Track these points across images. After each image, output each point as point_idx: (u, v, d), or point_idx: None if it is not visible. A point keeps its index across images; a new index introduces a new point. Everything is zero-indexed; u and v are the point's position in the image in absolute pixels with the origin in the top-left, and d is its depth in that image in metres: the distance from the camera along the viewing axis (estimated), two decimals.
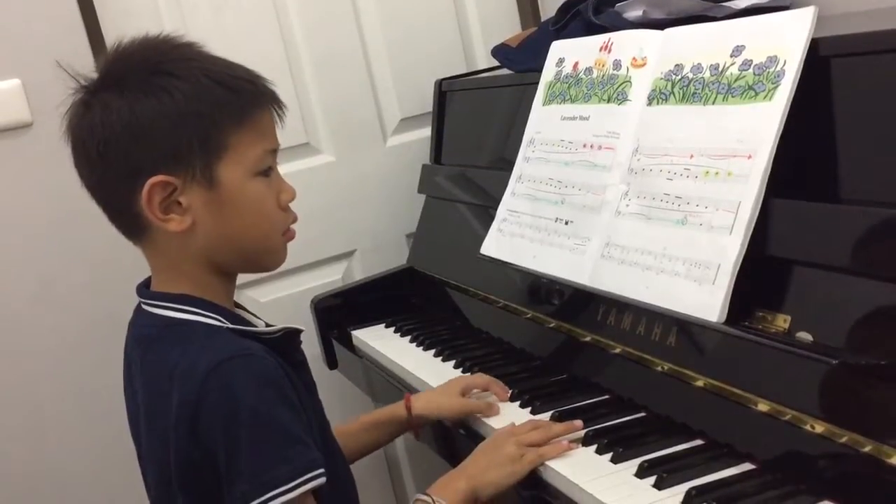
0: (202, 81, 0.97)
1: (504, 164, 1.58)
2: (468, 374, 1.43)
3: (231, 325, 1.00)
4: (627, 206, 1.23)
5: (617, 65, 1.32)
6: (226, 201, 0.98)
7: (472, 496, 1.11)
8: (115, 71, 0.98)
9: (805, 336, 1.00)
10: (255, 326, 1.06)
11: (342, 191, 1.95)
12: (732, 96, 1.10)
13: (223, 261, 1.02)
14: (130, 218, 0.99)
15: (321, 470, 0.95)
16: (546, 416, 1.24)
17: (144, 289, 1.05)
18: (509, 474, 1.11)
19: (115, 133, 0.95)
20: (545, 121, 1.46)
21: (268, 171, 1.01)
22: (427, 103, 1.93)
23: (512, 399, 1.32)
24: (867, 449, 0.90)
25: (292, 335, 1.05)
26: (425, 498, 1.09)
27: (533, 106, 1.49)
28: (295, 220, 1.06)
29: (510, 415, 1.26)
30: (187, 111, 0.95)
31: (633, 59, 1.29)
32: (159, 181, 0.96)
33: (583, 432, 1.16)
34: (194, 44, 1.02)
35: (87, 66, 1.02)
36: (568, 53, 1.45)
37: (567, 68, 1.44)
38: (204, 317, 1.00)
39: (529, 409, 1.27)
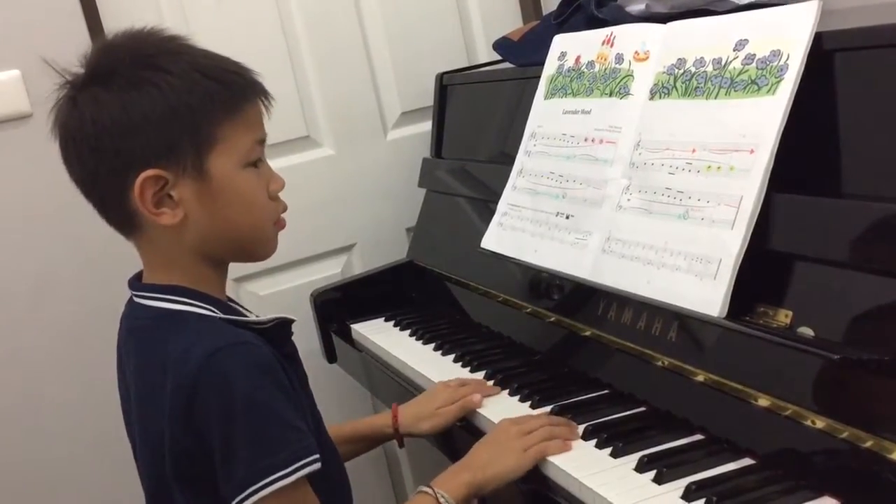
0: (191, 75, 0.96)
1: (505, 158, 1.58)
2: (465, 373, 1.42)
3: (223, 315, 1.00)
4: (629, 200, 1.22)
5: (619, 59, 1.32)
6: (217, 193, 0.98)
7: (476, 490, 1.10)
8: (103, 66, 0.98)
9: (806, 331, 0.99)
10: (247, 317, 1.06)
11: (342, 184, 1.95)
12: (735, 90, 1.10)
13: (215, 252, 1.02)
14: (122, 213, 0.99)
15: (316, 456, 0.95)
16: (546, 410, 1.23)
17: (136, 281, 1.05)
18: (513, 469, 1.11)
19: (106, 128, 0.95)
20: (547, 115, 1.45)
21: (257, 162, 1.02)
22: (428, 97, 1.93)
23: (512, 394, 1.31)
24: (868, 444, 0.90)
25: (284, 325, 1.05)
26: (428, 491, 1.08)
27: (534, 100, 1.49)
28: (285, 209, 1.06)
29: (510, 409, 1.26)
30: (178, 104, 0.95)
31: (636, 52, 1.29)
32: (151, 175, 0.95)
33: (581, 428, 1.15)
34: (181, 37, 1.02)
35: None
36: (570, 47, 1.44)
37: (569, 62, 1.43)
38: (196, 307, 1.00)
39: (529, 403, 1.27)
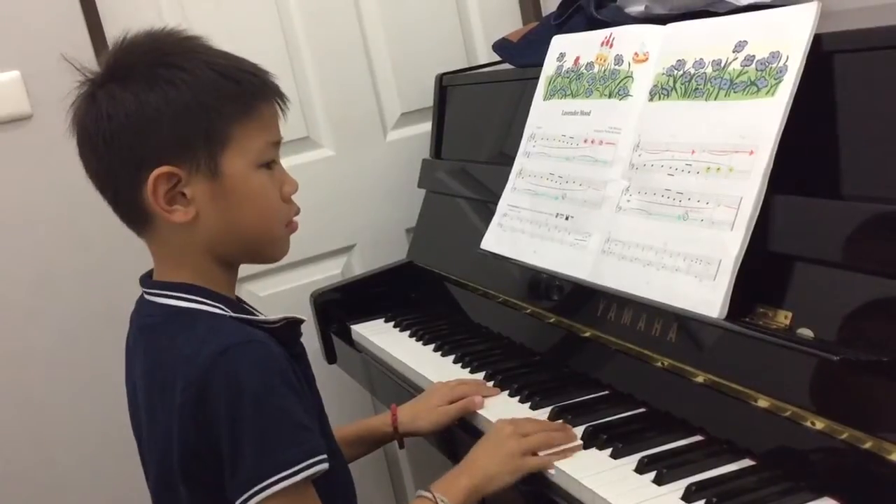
0: (207, 74, 0.97)
1: (504, 159, 1.58)
2: (465, 374, 1.42)
3: (233, 314, 1.01)
4: (628, 201, 1.22)
5: (618, 60, 1.32)
6: (229, 193, 0.99)
7: (476, 493, 1.10)
8: (121, 63, 0.99)
9: (806, 332, 0.99)
10: (257, 316, 1.06)
11: (342, 185, 1.95)
12: (734, 92, 1.10)
13: (226, 252, 1.03)
14: (135, 209, 1.00)
15: (324, 456, 0.96)
16: (546, 411, 1.23)
17: (147, 279, 1.06)
18: (512, 471, 1.11)
19: (121, 124, 0.96)
20: (546, 116, 1.46)
21: (271, 164, 1.02)
22: (428, 98, 1.93)
23: (512, 394, 1.31)
24: (867, 445, 0.90)
25: (293, 325, 1.06)
26: (427, 495, 1.08)
27: (534, 101, 1.49)
28: (297, 212, 1.07)
29: (510, 410, 1.26)
30: (192, 103, 0.96)
31: (635, 54, 1.29)
32: (164, 172, 0.96)
33: (580, 441, 1.14)
34: (199, 37, 1.03)
35: (87, 58, 1.03)
36: (569, 48, 1.44)
37: (568, 63, 1.43)
38: (207, 305, 1.00)
39: (529, 404, 1.27)
